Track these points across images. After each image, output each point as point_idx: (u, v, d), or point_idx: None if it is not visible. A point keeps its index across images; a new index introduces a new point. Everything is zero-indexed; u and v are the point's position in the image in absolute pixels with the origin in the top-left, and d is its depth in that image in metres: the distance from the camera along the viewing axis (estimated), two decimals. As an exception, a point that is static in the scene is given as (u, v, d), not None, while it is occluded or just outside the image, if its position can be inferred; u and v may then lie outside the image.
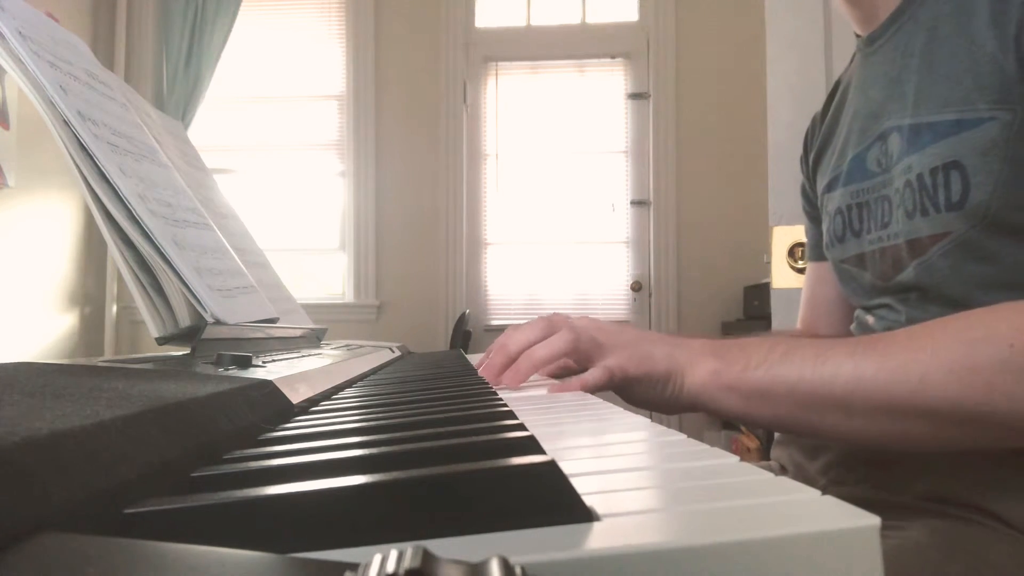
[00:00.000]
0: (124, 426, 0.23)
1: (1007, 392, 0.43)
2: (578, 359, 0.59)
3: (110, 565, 0.14)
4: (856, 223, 0.71)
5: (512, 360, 0.60)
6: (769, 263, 1.79)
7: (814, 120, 0.85)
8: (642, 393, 0.57)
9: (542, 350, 0.58)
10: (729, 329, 2.84)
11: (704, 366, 0.54)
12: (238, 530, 0.19)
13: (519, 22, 3.24)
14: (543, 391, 0.57)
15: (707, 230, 3.06)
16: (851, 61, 0.79)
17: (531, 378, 0.62)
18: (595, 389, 0.56)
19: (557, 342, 0.58)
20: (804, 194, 0.88)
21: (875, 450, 0.60)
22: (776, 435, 0.81)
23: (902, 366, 0.46)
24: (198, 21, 3.09)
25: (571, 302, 3.11)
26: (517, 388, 0.60)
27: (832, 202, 0.75)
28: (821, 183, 0.79)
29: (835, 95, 0.81)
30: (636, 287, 3.11)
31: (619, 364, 0.56)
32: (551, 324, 0.61)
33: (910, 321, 0.64)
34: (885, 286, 0.67)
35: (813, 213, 0.86)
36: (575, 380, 0.56)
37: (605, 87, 3.19)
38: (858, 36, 0.75)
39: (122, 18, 3.17)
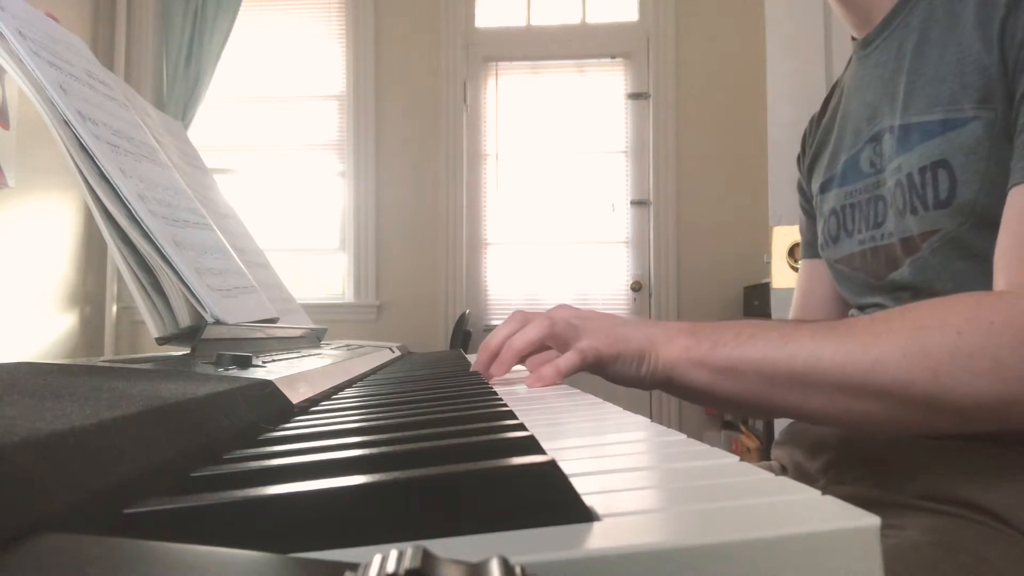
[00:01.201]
0: (124, 426, 0.23)
1: (954, 377, 0.45)
2: (556, 344, 0.61)
3: (110, 565, 0.14)
4: (849, 223, 0.72)
5: (495, 354, 0.62)
6: (769, 263, 1.79)
7: (812, 121, 0.87)
8: (617, 372, 0.59)
9: (519, 338, 0.61)
10: (729, 329, 2.84)
11: (677, 342, 0.57)
12: (238, 530, 0.19)
13: (519, 22, 3.24)
14: (541, 390, 0.57)
15: (707, 230, 3.06)
16: (848, 63, 0.80)
17: (517, 368, 0.65)
18: (569, 372, 0.58)
19: (532, 330, 0.61)
20: (800, 190, 0.89)
21: (869, 445, 0.61)
22: (776, 435, 0.82)
23: (858, 348, 0.48)
24: (198, 21, 3.09)
25: (571, 302, 3.07)
26: (508, 383, 0.61)
27: (827, 203, 0.76)
28: (816, 184, 0.80)
29: (832, 96, 0.82)
30: (636, 287, 3.11)
31: (591, 345, 0.58)
32: (527, 316, 0.64)
33: None
34: (878, 285, 0.68)
35: (809, 209, 0.87)
36: (550, 366, 0.58)
37: (605, 87, 3.19)
38: (854, 39, 0.76)
39: (122, 18, 3.17)
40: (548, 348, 0.62)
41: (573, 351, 0.58)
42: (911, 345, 0.47)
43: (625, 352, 0.58)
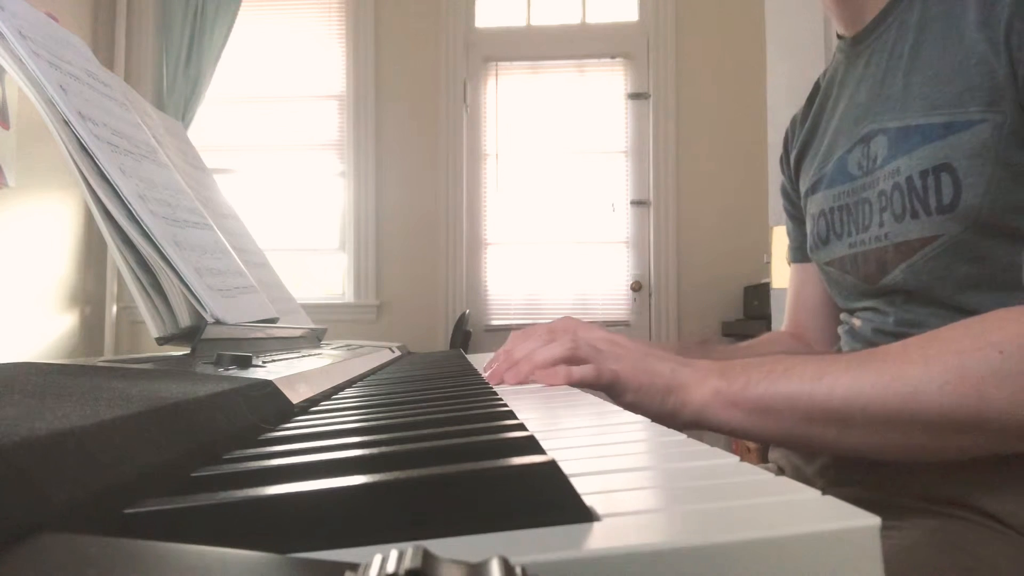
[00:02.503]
0: (124, 426, 0.23)
1: (999, 398, 0.44)
2: (576, 364, 0.60)
3: (110, 565, 0.14)
4: (839, 226, 0.71)
5: (515, 364, 0.62)
6: (769, 263, 1.79)
7: (794, 121, 0.85)
8: (637, 402, 0.57)
9: (542, 353, 0.60)
10: (729, 329, 2.84)
11: (707, 384, 0.54)
12: (238, 530, 0.19)
13: (519, 22, 3.24)
14: (536, 386, 0.58)
15: (707, 230, 3.06)
16: (832, 61, 0.78)
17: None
18: (580, 382, 0.57)
19: (556, 348, 0.60)
20: (785, 194, 0.87)
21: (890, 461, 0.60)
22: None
23: (896, 378, 0.47)
24: (198, 21, 3.09)
25: (571, 302, 3.11)
26: (515, 387, 0.61)
27: (815, 204, 0.75)
28: (804, 185, 0.78)
29: (815, 96, 0.80)
30: (636, 287, 3.11)
31: (611, 368, 0.57)
32: (552, 333, 0.63)
33: (898, 322, 0.64)
34: (870, 288, 0.67)
35: (795, 213, 0.86)
36: (562, 368, 0.58)
37: (605, 87, 3.19)
38: (840, 37, 0.74)
39: (122, 18, 3.17)
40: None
41: (591, 366, 0.57)
42: (951, 370, 0.45)
43: (649, 386, 0.56)
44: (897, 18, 0.65)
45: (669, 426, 0.58)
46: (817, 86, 0.81)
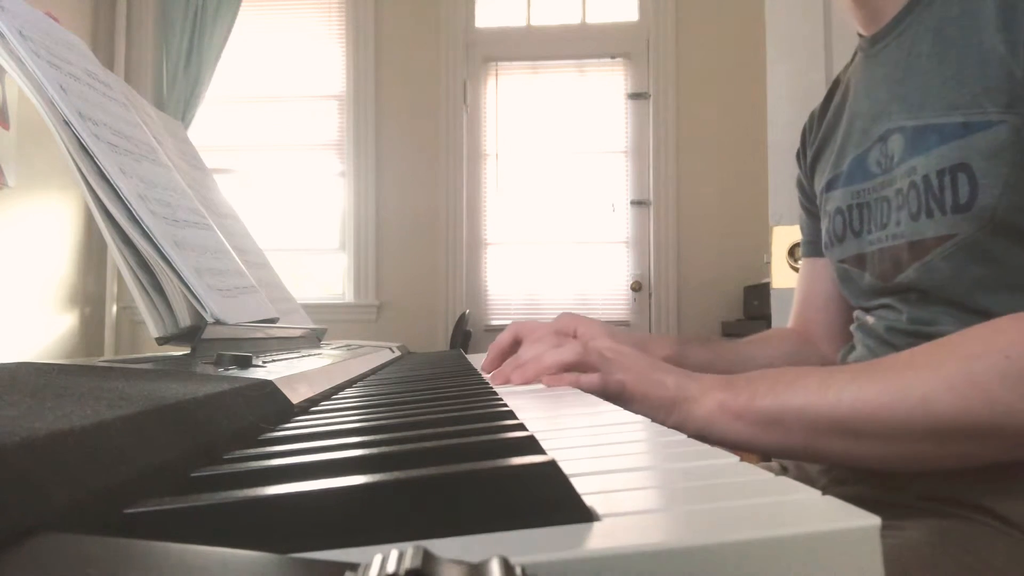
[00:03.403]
0: (124, 426, 0.23)
1: (1008, 403, 0.43)
2: (583, 371, 0.60)
3: (110, 565, 0.14)
4: (856, 223, 0.71)
5: (522, 366, 0.62)
6: (769, 263, 1.79)
7: (812, 116, 0.85)
8: (640, 412, 0.57)
9: (550, 356, 0.60)
10: (729, 329, 2.84)
11: (712, 397, 0.54)
12: (238, 530, 0.19)
13: (519, 22, 3.24)
14: (537, 386, 0.58)
15: (707, 230, 3.06)
16: (852, 59, 0.79)
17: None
18: (587, 390, 0.57)
19: (565, 352, 0.60)
20: (801, 188, 0.87)
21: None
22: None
23: (904, 387, 0.46)
24: (198, 21, 3.09)
25: (571, 302, 3.11)
26: (516, 387, 0.61)
27: (832, 202, 0.75)
28: (820, 182, 0.79)
29: (835, 93, 0.80)
30: (636, 287, 3.11)
31: (618, 379, 0.57)
32: (560, 338, 0.64)
33: (911, 320, 0.64)
34: (885, 286, 0.67)
35: (810, 208, 0.86)
36: (570, 375, 0.58)
37: (605, 87, 3.19)
38: (860, 36, 0.75)
39: (122, 18, 3.17)
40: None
41: (598, 375, 0.57)
42: (958, 376, 0.45)
43: (654, 397, 0.56)
44: (916, 18, 0.65)
45: None
46: (837, 82, 0.81)
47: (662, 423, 0.55)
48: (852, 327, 0.76)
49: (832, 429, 0.49)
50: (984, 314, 0.57)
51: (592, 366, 0.59)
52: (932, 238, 0.60)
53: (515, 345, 0.72)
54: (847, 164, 0.72)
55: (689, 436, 0.56)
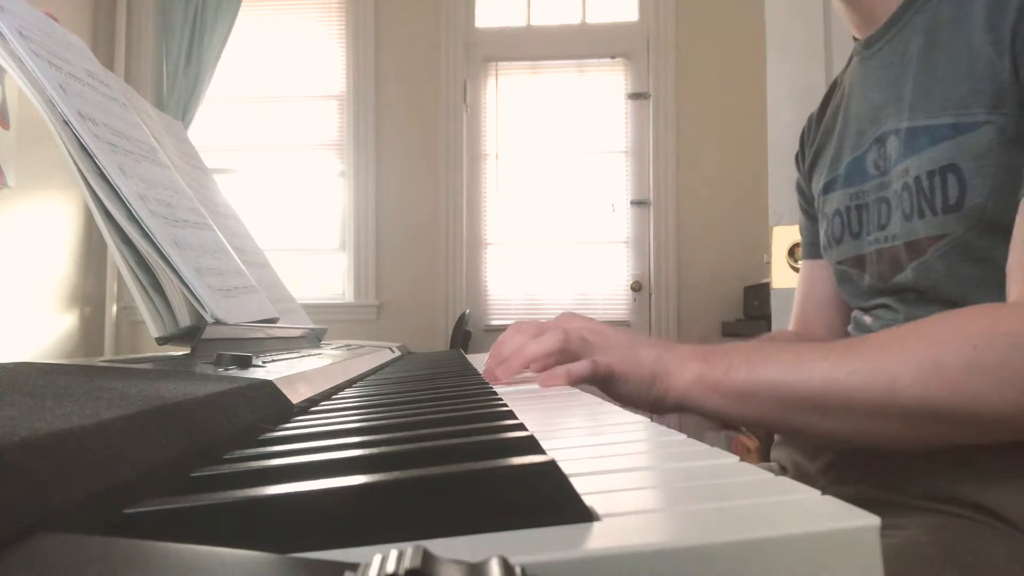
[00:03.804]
0: (124, 426, 0.23)
1: (974, 391, 0.45)
2: (567, 359, 0.61)
3: (110, 565, 0.14)
4: (855, 225, 0.71)
5: (505, 360, 0.62)
6: (769, 263, 1.80)
7: (810, 119, 0.85)
8: (627, 392, 0.59)
9: (532, 347, 0.61)
10: (729, 329, 2.84)
11: (690, 369, 0.56)
12: (238, 530, 0.19)
13: (519, 22, 3.24)
14: (536, 386, 0.58)
15: (707, 230, 3.06)
16: (848, 63, 0.79)
17: (525, 374, 0.65)
18: (579, 379, 0.58)
19: (546, 341, 0.61)
20: (800, 190, 0.88)
21: (872, 449, 0.61)
22: (776, 436, 0.82)
23: (874, 368, 0.48)
24: (198, 21, 3.09)
25: (571, 302, 3.11)
26: (513, 384, 0.61)
27: (830, 204, 0.75)
28: (818, 184, 0.79)
29: (832, 96, 0.81)
30: (636, 287, 3.11)
31: (605, 361, 0.58)
32: (542, 326, 0.63)
33: (909, 320, 0.64)
34: (883, 287, 0.68)
35: (808, 210, 0.86)
36: (561, 368, 0.58)
37: (605, 87, 3.19)
38: (855, 39, 0.75)
39: (122, 18, 3.17)
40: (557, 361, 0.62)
41: (586, 361, 0.58)
42: (926, 361, 0.46)
43: (635, 374, 0.58)
44: (909, 21, 0.65)
45: (657, 412, 0.59)
46: (834, 85, 0.82)
47: (646, 398, 0.58)
48: (850, 327, 0.76)
49: (803, 405, 0.51)
50: None
51: (576, 352, 0.60)
52: (925, 238, 0.60)
53: None
54: (844, 166, 0.73)
55: (669, 408, 0.58)
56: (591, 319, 0.66)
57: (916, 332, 0.49)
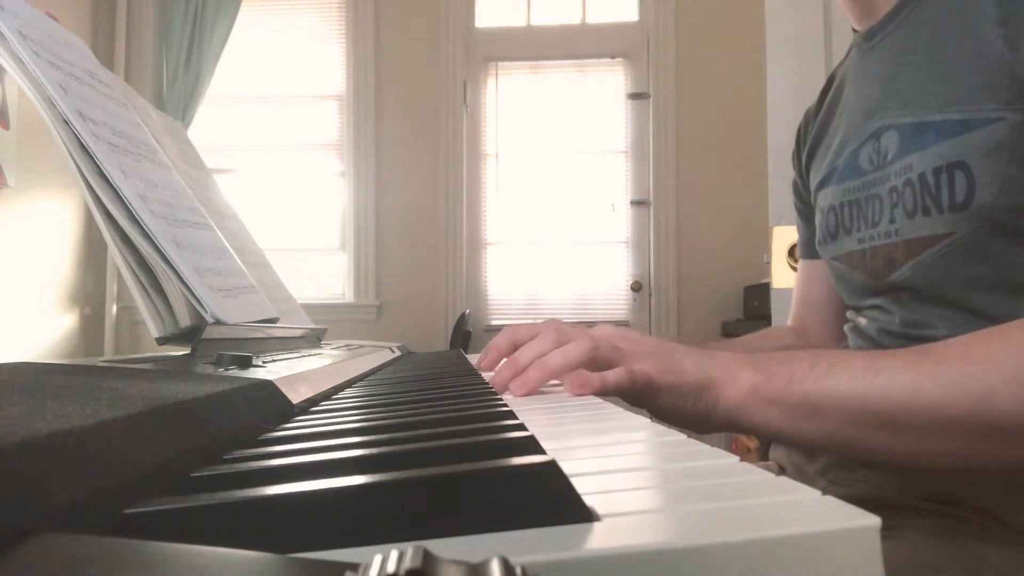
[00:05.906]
0: (124, 426, 0.23)
1: None
2: (596, 369, 0.52)
3: (110, 565, 0.14)
4: (848, 221, 0.70)
5: (521, 371, 0.54)
6: (769, 263, 1.79)
7: (807, 115, 0.84)
8: (669, 405, 0.51)
9: (556, 359, 0.53)
10: (729, 329, 2.84)
11: (742, 380, 0.49)
12: (238, 530, 0.19)
13: (519, 22, 3.24)
14: (542, 390, 0.56)
15: (707, 230, 3.06)
16: (847, 55, 0.78)
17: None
18: (616, 390, 0.51)
19: (573, 350, 0.53)
20: (796, 190, 0.87)
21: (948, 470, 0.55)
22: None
23: (961, 379, 0.43)
24: (198, 21, 3.08)
25: (571, 302, 3.11)
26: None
27: (825, 199, 0.74)
28: (814, 179, 0.78)
29: (829, 90, 0.80)
30: (636, 287, 3.11)
31: (643, 370, 0.51)
32: (564, 333, 0.55)
33: (904, 323, 0.64)
34: (876, 286, 0.67)
35: (804, 211, 0.86)
36: (596, 376, 0.50)
37: (605, 87, 3.19)
38: (855, 31, 0.74)
39: (122, 18, 3.17)
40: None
41: (623, 369, 0.51)
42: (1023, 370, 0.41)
43: (679, 384, 0.50)
44: (911, 13, 0.64)
45: (701, 429, 0.52)
46: (831, 79, 0.81)
47: (690, 412, 0.51)
48: (845, 328, 0.76)
49: (878, 420, 0.45)
50: (977, 314, 0.57)
51: (607, 361, 0.52)
52: (928, 236, 0.59)
53: (514, 348, 0.63)
54: (840, 161, 0.72)
55: (717, 424, 0.51)
56: (608, 326, 0.59)
57: (1000, 338, 0.44)
